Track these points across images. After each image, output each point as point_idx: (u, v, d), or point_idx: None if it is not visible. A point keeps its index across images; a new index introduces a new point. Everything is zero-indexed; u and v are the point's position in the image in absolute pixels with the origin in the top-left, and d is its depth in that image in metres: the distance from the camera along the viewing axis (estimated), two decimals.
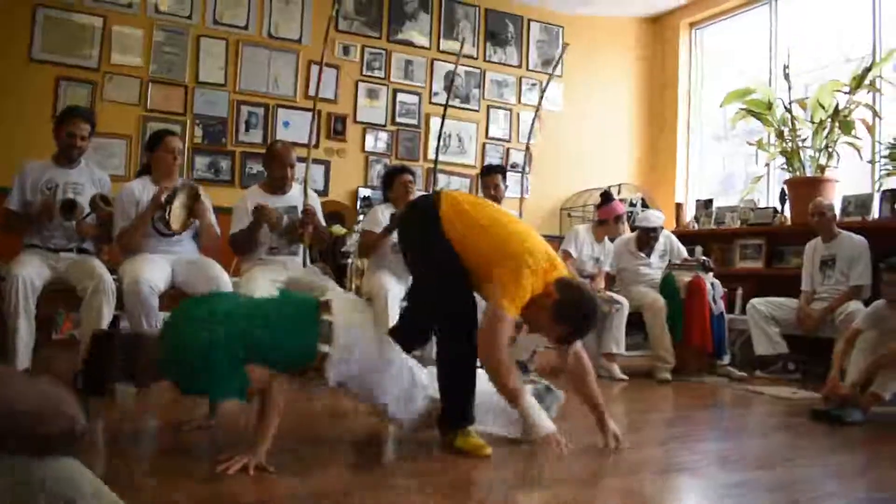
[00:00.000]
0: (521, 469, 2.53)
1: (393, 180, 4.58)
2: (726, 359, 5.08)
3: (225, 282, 3.79)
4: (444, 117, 5.31)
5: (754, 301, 5.09)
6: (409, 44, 6.75)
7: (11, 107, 5.24)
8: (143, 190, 3.87)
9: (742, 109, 6.10)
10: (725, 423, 3.71)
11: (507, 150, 7.12)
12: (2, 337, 3.33)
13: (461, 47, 5.59)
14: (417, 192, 4.93)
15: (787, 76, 5.83)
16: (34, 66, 5.39)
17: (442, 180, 6.78)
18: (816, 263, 5.01)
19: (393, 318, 4.05)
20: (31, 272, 3.38)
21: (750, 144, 6.28)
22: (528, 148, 5.60)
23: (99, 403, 3.17)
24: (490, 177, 5.22)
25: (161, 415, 3.30)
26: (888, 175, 5.36)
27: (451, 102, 6.73)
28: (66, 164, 3.75)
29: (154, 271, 3.64)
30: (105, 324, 3.43)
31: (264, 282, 3.94)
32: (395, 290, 4.13)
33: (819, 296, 4.94)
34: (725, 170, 7.60)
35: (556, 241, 6.44)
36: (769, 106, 5.90)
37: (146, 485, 2.14)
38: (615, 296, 5.04)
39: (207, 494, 2.04)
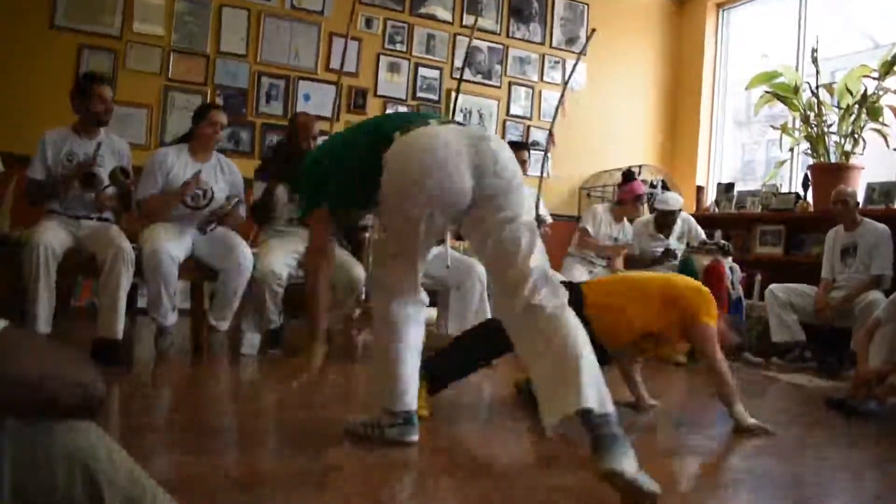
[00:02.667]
0: (541, 450, 2.54)
1: None
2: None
3: (245, 253, 3.82)
4: (458, 92, 5.26)
5: (773, 287, 5.05)
6: (433, 18, 6.69)
7: (33, 74, 5.24)
8: (177, 157, 3.92)
9: (767, 93, 6.02)
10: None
11: (528, 128, 7.07)
12: (22, 303, 3.36)
13: (475, 21, 5.50)
14: None
15: (815, 60, 5.72)
16: (56, 33, 5.39)
17: None
18: (837, 251, 4.95)
19: None
20: (52, 239, 3.40)
21: (775, 129, 6.19)
22: (551, 132, 5.55)
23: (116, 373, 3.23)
24: (518, 153, 5.17)
25: (177, 387, 3.34)
26: None
27: (473, 78, 6.71)
28: (87, 135, 3.75)
29: (174, 241, 3.67)
30: (124, 293, 3.46)
31: (281, 252, 3.97)
32: None
33: (839, 284, 4.89)
34: (745, 156, 7.52)
35: (574, 221, 6.42)
36: (795, 90, 5.81)
37: (162, 458, 2.17)
38: None
39: (224, 467, 2.07)
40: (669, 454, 2.62)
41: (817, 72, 5.71)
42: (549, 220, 5.10)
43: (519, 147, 5.28)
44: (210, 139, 3.98)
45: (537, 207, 5.05)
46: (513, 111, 7.03)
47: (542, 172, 5.78)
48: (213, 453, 2.20)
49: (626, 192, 5.31)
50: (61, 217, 3.63)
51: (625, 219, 5.37)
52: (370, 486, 2.01)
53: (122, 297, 3.45)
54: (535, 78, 7.12)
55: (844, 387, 3.91)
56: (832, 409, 3.42)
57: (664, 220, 5.28)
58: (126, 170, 3.74)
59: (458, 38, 6.74)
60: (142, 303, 4.56)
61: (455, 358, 2.97)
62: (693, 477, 2.40)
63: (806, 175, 5.92)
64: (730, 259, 5.14)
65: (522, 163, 5.11)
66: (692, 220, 5.53)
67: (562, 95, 5.43)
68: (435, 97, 6.70)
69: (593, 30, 4.90)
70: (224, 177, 4.03)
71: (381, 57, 6.49)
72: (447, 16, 6.73)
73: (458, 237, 5.14)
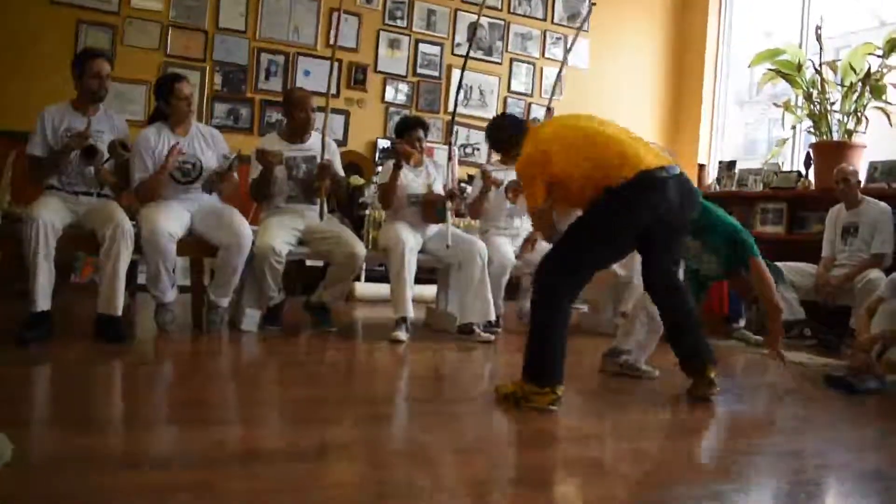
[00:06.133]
0: (534, 427, 2.55)
1: (402, 137, 4.47)
2: (742, 322, 5.06)
3: (244, 230, 3.80)
4: (463, 69, 5.22)
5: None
6: None
7: (32, 49, 5.21)
8: (158, 137, 3.86)
9: (771, 70, 5.97)
10: (738, 387, 3.70)
11: (529, 104, 7.03)
12: (22, 279, 3.36)
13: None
14: (429, 144, 4.83)
15: (819, 37, 5.67)
16: (54, 8, 5.35)
17: (462, 134, 6.73)
18: (838, 230, 4.94)
19: (410, 270, 4.06)
20: (52, 215, 3.38)
21: (777, 106, 6.16)
22: (549, 108, 5.51)
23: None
24: None
25: (178, 362, 3.35)
26: None
27: (473, 54, 6.65)
28: (86, 110, 3.72)
29: (172, 219, 3.66)
30: (123, 269, 3.45)
31: (281, 229, 3.96)
32: (411, 242, 4.12)
33: (839, 263, 4.88)
34: (748, 136, 7.49)
35: None
36: (799, 67, 5.76)
37: (162, 431, 2.17)
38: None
39: (225, 441, 2.07)
40: (667, 433, 2.63)
41: (821, 49, 5.66)
42: None
43: None
44: (185, 113, 3.91)
45: None
46: (514, 88, 6.99)
47: None
48: (213, 427, 2.20)
49: None
50: (61, 193, 3.62)
51: None
52: (371, 463, 2.02)
53: (122, 274, 3.45)
54: (537, 54, 7.07)
55: (844, 364, 3.92)
56: (831, 387, 3.43)
57: None
58: (125, 143, 3.72)
59: (460, 13, 6.68)
60: (142, 279, 4.56)
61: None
62: (693, 452, 2.41)
63: (808, 153, 5.88)
64: None
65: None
66: None
67: (560, 70, 5.39)
68: (436, 73, 6.65)
69: (592, 3, 4.82)
70: (209, 145, 3.99)
71: (382, 33, 6.44)
72: None
73: (459, 214, 5.13)
